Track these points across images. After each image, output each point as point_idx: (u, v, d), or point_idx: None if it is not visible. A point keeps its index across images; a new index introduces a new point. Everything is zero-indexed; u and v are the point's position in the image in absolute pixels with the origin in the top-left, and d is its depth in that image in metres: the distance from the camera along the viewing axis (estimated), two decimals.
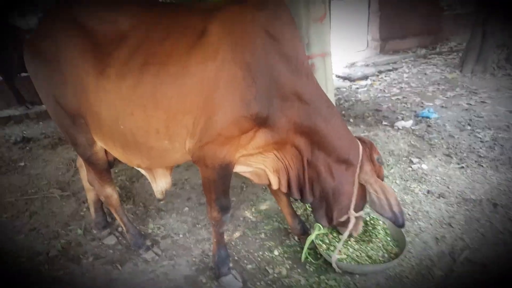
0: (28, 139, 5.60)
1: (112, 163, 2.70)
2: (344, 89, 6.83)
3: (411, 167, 3.79)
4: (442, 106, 5.46)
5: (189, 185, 3.85)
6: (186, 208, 3.45)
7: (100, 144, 2.47)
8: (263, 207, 3.36)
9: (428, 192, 3.37)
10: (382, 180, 2.31)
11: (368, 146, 2.35)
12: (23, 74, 6.79)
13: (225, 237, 2.57)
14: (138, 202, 3.62)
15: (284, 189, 2.40)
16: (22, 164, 4.76)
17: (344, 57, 8.38)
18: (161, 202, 3.43)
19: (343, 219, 2.38)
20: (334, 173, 2.29)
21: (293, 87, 2.09)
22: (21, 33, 6.81)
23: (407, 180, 3.58)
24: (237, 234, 3.02)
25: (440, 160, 3.92)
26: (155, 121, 2.14)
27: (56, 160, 4.77)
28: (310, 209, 3.01)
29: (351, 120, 5.21)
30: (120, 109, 2.17)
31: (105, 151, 2.56)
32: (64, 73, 2.21)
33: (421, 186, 3.47)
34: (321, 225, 2.52)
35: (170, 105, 2.09)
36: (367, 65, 8.00)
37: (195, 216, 3.32)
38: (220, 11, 2.12)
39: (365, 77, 7.29)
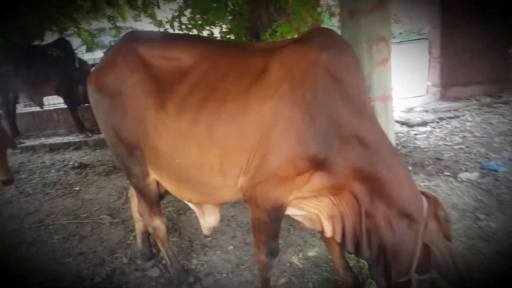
0: (85, 165, 5.88)
1: (163, 195, 2.69)
2: (402, 135, 6.54)
3: (477, 224, 3.44)
4: (511, 159, 5.03)
5: (235, 223, 3.76)
6: (231, 247, 3.34)
7: (153, 176, 2.47)
8: (311, 253, 3.16)
9: (498, 253, 3.01)
10: (449, 240, 2.01)
11: (433, 202, 2.05)
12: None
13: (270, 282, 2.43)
14: (183, 236, 3.58)
15: (338, 238, 2.19)
16: (77, 188, 4.96)
17: (402, 101, 8.12)
18: (208, 238, 3.36)
19: (402, 280, 2.07)
20: (395, 228, 2.02)
21: (354, 130, 1.97)
22: (86, 66, 7.42)
23: (473, 238, 3.23)
24: (282, 281, 2.85)
25: (510, 218, 3.53)
26: (210, 157, 2.10)
27: (109, 187, 4.91)
28: (363, 262, 2.79)
29: (410, 167, 4.91)
30: (177, 144, 2.16)
31: (157, 183, 2.55)
32: (125, 106, 2.26)
33: (489, 246, 3.11)
34: (378, 285, 2.27)
35: (225, 142, 2.06)
36: (426, 111, 7.64)
37: (240, 255, 3.20)
38: (281, 50, 2.09)
39: (425, 123, 6.95)
